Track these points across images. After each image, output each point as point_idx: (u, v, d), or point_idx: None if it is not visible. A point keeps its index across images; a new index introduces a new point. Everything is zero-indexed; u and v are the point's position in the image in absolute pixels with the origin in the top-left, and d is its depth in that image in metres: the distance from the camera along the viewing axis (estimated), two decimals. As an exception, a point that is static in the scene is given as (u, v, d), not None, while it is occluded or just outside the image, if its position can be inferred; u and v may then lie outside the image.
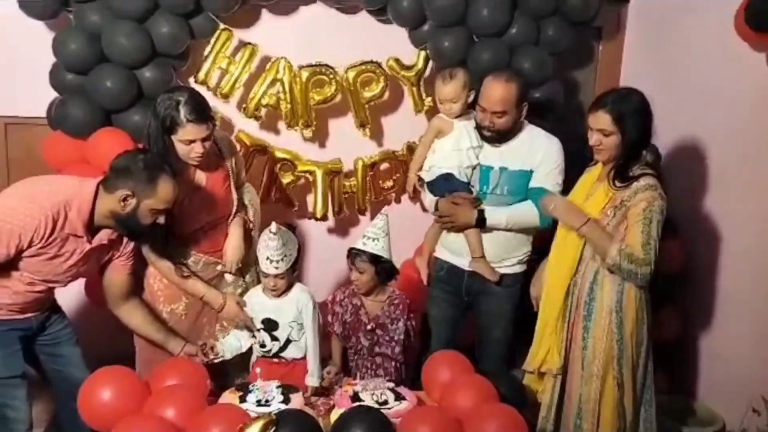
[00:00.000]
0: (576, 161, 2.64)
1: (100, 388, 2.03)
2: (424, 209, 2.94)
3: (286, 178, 3.25)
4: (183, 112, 2.29)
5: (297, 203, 3.32)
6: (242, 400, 2.10)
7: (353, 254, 2.51)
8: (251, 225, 2.66)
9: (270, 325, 2.45)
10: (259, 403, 2.08)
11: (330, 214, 3.28)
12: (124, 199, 2.19)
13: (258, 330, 2.48)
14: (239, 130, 3.21)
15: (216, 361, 2.44)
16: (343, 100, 3.15)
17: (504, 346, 2.80)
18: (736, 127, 2.86)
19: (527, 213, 2.60)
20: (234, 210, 2.59)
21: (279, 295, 2.44)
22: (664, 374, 3.19)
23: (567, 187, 2.56)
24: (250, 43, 3.06)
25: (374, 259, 2.48)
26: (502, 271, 2.68)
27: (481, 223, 2.60)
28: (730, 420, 2.92)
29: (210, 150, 2.43)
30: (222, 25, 3.01)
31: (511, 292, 2.71)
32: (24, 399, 2.31)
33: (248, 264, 2.65)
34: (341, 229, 3.47)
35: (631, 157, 2.29)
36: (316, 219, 3.26)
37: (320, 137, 3.34)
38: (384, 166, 3.33)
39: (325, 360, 2.55)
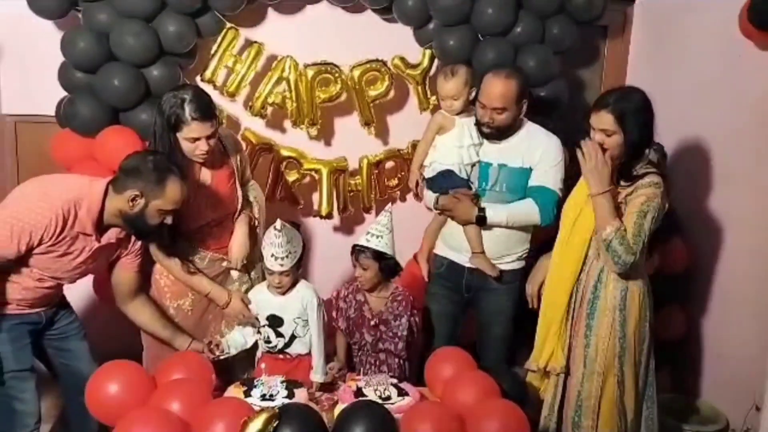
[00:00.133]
0: (578, 169, 2.64)
1: (107, 382, 2.05)
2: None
3: (292, 176, 3.27)
4: (188, 110, 2.32)
5: (302, 201, 3.34)
6: (247, 394, 2.12)
7: (357, 251, 2.52)
8: (256, 222, 2.68)
9: (275, 322, 2.48)
10: (263, 397, 2.10)
11: (335, 212, 3.29)
12: (133, 199, 2.22)
13: (263, 326, 2.50)
14: (245, 128, 3.24)
15: (221, 357, 2.46)
16: (349, 98, 3.17)
17: (504, 343, 2.81)
18: (741, 125, 2.86)
19: (528, 211, 2.61)
20: (239, 207, 2.61)
21: (284, 293, 2.46)
22: (668, 373, 3.20)
23: (569, 185, 2.56)
24: (256, 42, 3.09)
25: (378, 256, 2.49)
26: (502, 267, 2.69)
27: (482, 221, 2.61)
28: (733, 418, 2.92)
29: (215, 148, 2.45)
30: (228, 24, 3.04)
31: (511, 288, 2.72)
32: (33, 392, 2.34)
33: (253, 261, 2.66)
34: (346, 227, 3.49)
35: (634, 156, 2.29)
36: (321, 217, 3.27)
37: (325, 135, 3.36)
38: (389, 164, 3.34)
39: (329, 356, 2.57)
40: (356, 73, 3.12)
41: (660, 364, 2.93)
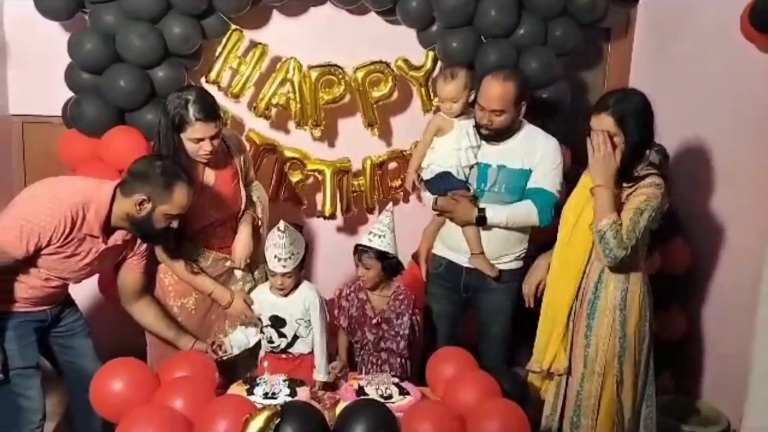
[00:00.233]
0: (585, 162, 2.65)
1: (111, 379, 2.07)
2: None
3: (296, 177, 3.28)
4: (192, 111, 2.34)
5: (306, 201, 3.35)
6: (249, 392, 2.13)
7: (360, 251, 2.54)
8: (259, 222, 2.70)
9: (277, 323, 2.49)
10: (266, 395, 2.12)
11: (338, 213, 3.30)
12: (140, 204, 2.24)
13: (266, 326, 2.51)
14: (249, 129, 3.25)
15: (224, 358, 2.47)
16: (352, 100, 3.18)
17: (504, 343, 2.82)
18: (744, 127, 2.86)
19: (527, 212, 2.62)
20: (243, 207, 2.64)
21: (286, 294, 2.47)
22: (670, 374, 3.20)
23: (570, 187, 2.57)
24: (260, 44, 3.10)
25: (381, 255, 2.50)
26: (500, 267, 2.71)
27: (482, 221, 2.63)
28: (734, 419, 2.92)
29: (219, 148, 2.47)
30: (233, 26, 3.05)
31: (509, 288, 2.73)
32: (38, 389, 2.36)
33: (257, 260, 2.68)
34: (349, 227, 3.50)
35: (635, 157, 2.30)
36: (325, 217, 3.29)
37: (329, 136, 3.37)
38: (392, 165, 3.36)
39: (331, 356, 2.58)
40: (360, 74, 3.13)
41: (661, 365, 2.93)
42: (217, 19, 3.03)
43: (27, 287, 2.30)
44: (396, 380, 2.27)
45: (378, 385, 2.21)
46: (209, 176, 2.53)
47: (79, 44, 2.88)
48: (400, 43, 3.22)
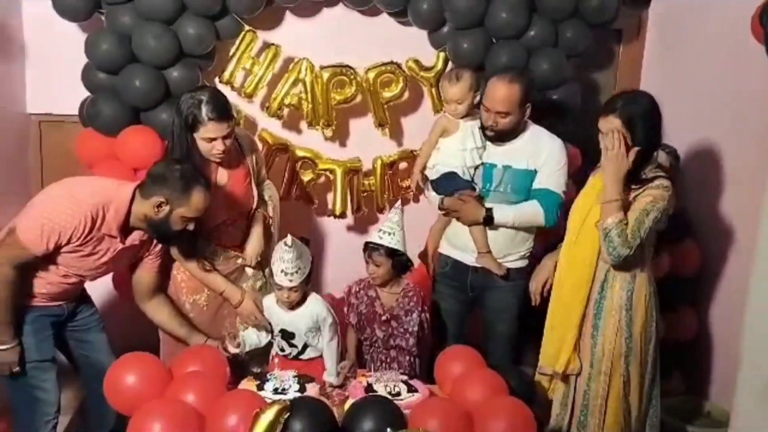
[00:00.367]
0: (594, 162, 2.66)
1: (125, 373, 2.11)
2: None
3: (307, 176, 3.31)
4: (205, 111, 2.36)
5: (317, 201, 3.37)
6: (260, 388, 2.17)
7: (370, 248, 2.55)
8: (271, 221, 2.73)
9: (286, 335, 2.48)
10: (276, 391, 2.15)
11: (349, 212, 3.32)
12: (159, 206, 2.28)
13: (276, 335, 2.52)
14: (262, 129, 3.28)
15: (234, 353, 2.46)
16: (363, 100, 3.20)
17: (510, 341, 2.83)
18: (754, 128, 2.86)
19: (533, 212, 2.63)
20: (254, 206, 2.67)
21: (293, 308, 2.45)
22: (680, 375, 3.20)
23: (578, 187, 2.58)
24: (273, 44, 3.13)
25: (391, 253, 2.52)
26: (506, 265, 2.71)
27: (489, 221, 2.64)
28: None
29: (231, 147, 2.50)
30: (246, 27, 3.08)
31: (516, 286, 2.74)
32: (54, 382, 2.40)
33: (268, 258, 2.70)
34: (360, 226, 3.52)
35: (643, 159, 2.30)
36: (335, 216, 3.31)
37: (340, 136, 3.40)
38: (402, 165, 3.36)
39: (340, 355, 2.57)
40: (371, 75, 3.15)
41: (671, 366, 2.93)
42: (231, 20, 3.06)
43: (45, 283, 2.35)
44: (404, 377, 2.29)
45: (386, 383, 2.23)
46: (222, 175, 2.56)
47: (95, 45, 2.92)
48: (411, 44, 3.24)
